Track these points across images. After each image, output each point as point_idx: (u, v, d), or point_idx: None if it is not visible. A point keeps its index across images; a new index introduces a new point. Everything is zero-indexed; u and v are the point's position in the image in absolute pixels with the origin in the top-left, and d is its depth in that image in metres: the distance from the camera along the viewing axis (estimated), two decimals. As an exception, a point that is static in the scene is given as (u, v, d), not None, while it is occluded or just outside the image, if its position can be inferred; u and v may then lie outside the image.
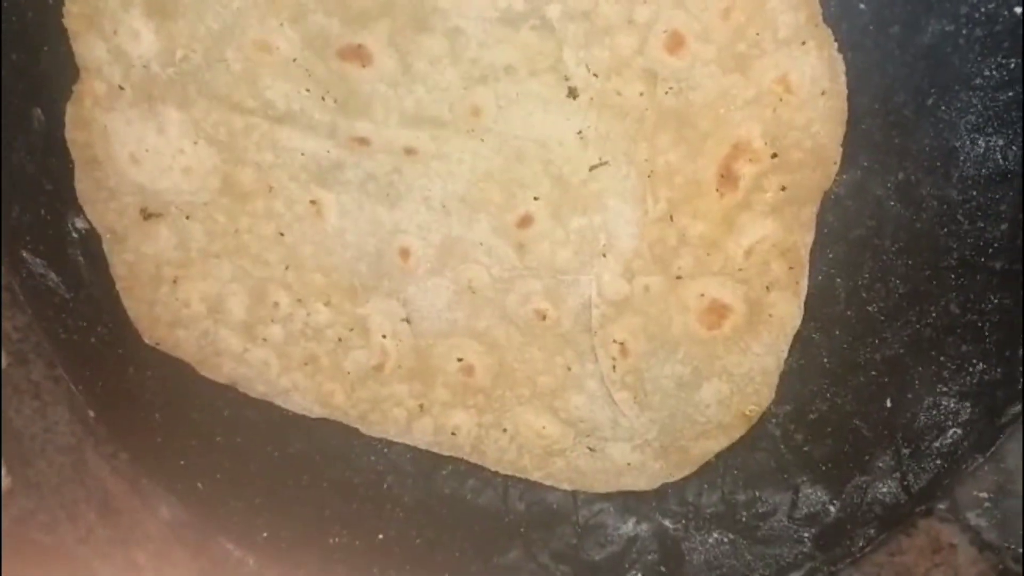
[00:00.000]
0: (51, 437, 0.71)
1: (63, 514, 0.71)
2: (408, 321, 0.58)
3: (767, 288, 0.54)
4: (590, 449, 0.60)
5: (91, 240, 0.58)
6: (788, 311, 0.55)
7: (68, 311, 0.61)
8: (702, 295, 0.55)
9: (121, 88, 0.56)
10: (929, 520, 0.62)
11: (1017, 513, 0.58)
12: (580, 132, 0.53)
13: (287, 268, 0.58)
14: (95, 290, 0.61)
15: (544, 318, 0.57)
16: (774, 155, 0.51)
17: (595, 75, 0.52)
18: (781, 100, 0.51)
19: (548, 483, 0.61)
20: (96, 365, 0.63)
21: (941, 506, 0.62)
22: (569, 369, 0.58)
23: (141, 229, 0.58)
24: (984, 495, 0.62)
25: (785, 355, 0.56)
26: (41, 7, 0.56)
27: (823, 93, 0.50)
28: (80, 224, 0.59)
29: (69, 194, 0.57)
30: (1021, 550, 0.59)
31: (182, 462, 0.62)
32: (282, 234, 0.57)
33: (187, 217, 0.58)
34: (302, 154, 0.56)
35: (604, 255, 0.55)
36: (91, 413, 0.65)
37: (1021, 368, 0.55)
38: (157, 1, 0.54)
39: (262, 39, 0.54)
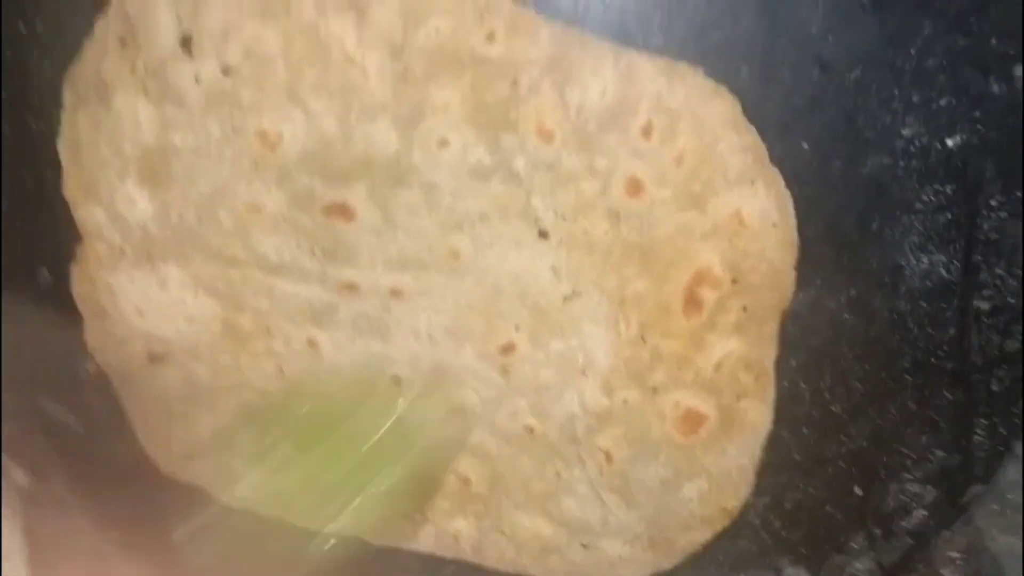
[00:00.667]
0: (77, 543, 0.78)
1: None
2: (406, 442, 0.65)
3: (737, 397, 0.61)
4: (583, 545, 0.67)
5: (101, 380, 0.65)
6: (759, 416, 0.61)
7: (87, 444, 0.68)
8: (678, 404, 0.62)
9: (122, 250, 0.62)
10: None
11: (988, 570, 0.65)
12: (553, 267, 0.60)
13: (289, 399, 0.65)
14: (112, 425, 0.67)
15: (532, 431, 0.64)
16: (734, 280, 0.58)
17: (563, 217, 0.58)
18: (736, 232, 0.57)
19: None
20: (114, 491, 0.69)
21: (918, 566, 0.69)
22: (559, 475, 0.65)
23: (149, 371, 0.65)
24: (956, 554, 0.68)
25: (759, 455, 0.63)
26: (39, 178, 0.62)
27: (774, 225, 0.57)
28: (90, 367, 0.65)
29: (80, 342, 0.64)
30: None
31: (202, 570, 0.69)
32: (282, 369, 0.64)
33: (193, 359, 0.64)
34: (296, 298, 0.62)
35: (584, 373, 0.62)
36: (113, 534, 0.71)
37: (976, 455, 0.62)
38: (150, 170, 0.60)
39: (251, 200, 0.60)
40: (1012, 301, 0.58)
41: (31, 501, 0.76)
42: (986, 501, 0.66)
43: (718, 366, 0.60)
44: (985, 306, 0.59)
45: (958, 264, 0.58)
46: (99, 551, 0.78)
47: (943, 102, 0.55)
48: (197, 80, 0.58)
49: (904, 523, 0.65)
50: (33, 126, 0.61)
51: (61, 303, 0.65)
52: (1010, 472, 0.65)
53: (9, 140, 0.62)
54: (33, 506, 0.76)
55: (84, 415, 0.68)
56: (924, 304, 0.60)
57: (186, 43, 0.57)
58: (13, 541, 0.73)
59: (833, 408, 0.63)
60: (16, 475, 0.75)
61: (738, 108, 0.56)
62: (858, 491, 0.65)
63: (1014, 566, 0.66)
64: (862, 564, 0.67)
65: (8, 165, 0.63)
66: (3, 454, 0.73)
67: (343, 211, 0.60)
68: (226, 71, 0.58)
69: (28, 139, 0.62)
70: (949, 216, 0.57)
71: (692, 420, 0.62)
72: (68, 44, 0.58)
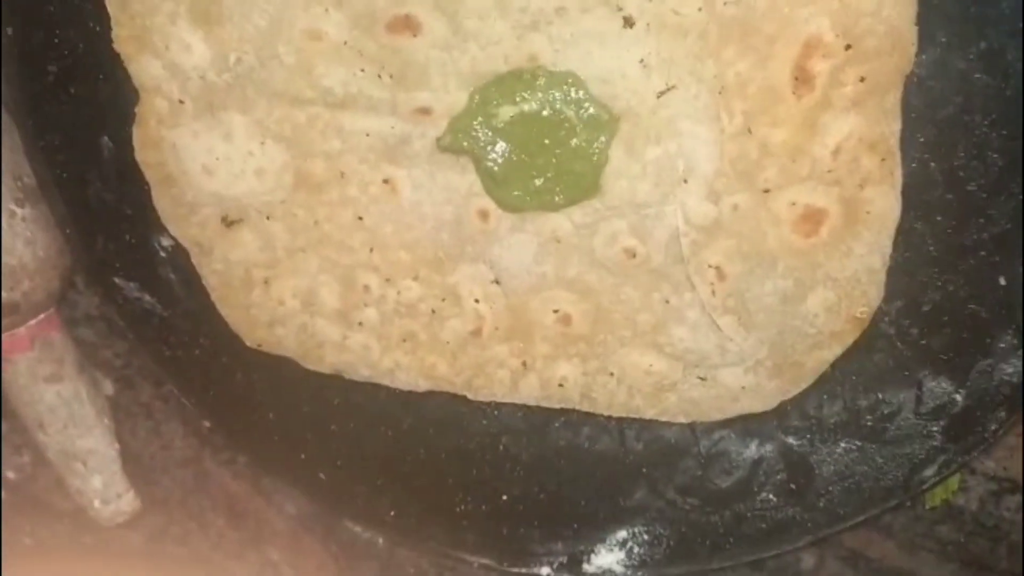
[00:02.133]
0: (169, 453, 0.78)
1: (193, 524, 0.78)
2: (498, 282, 0.62)
3: (860, 185, 0.57)
4: (701, 379, 0.63)
5: (179, 255, 0.64)
6: (886, 205, 0.57)
7: (168, 329, 0.67)
8: (794, 204, 0.58)
9: (182, 102, 0.60)
10: None
11: None
12: (642, 60, 0.56)
13: (371, 250, 0.63)
14: (191, 304, 0.67)
15: (634, 255, 0.61)
16: (848, 46, 0.54)
17: None
18: None
19: (664, 419, 0.66)
20: (204, 376, 0.69)
21: None
22: (667, 302, 0.61)
23: (225, 237, 0.63)
24: None
25: (889, 251, 0.59)
26: (91, 36, 0.60)
27: None
28: (166, 242, 0.64)
29: (150, 215, 0.62)
30: None
31: (302, 456, 0.68)
32: (361, 218, 0.62)
33: (267, 218, 0.63)
34: (367, 135, 0.60)
35: (685, 181, 0.58)
36: (206, 424, 0.70)
37: None
38: (201, 9, 0.58)
39: (310, 27, 0.57)
40: None
41: (120, 411, 0.76)
42: None
43: (836, 151, 0.56)
44: None
45: None
46: (194, 459, 0.77)
47: None
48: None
49: None
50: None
51: (127, 175, 0.63)
52: None
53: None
54: (123, 416, 0.76)
55: (163, 294, 0.67)
56: None
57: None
58: (103, 443, 0.73)
59: (970, 187, 0.58)
60: (102, 383, 0.75)
61: None
62: (1003, 281, 0.60)
63: None
64: (1012, 367, 0.62)
65: (56, 26, 0.61)
66: (88, 363, 0.73)
67: (408, 24, 0.57)
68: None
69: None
70: None
71: (811, 219, 0.58)
72: None
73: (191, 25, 0.59)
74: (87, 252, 0.66)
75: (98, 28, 0.60)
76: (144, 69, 0.61)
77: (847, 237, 0.59)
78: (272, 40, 0.59)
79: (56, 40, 0.62)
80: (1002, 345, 0.62)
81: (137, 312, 0.67)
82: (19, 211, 0.66)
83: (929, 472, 0.66)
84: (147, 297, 0.67)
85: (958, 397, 0.64)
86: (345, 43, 0.59)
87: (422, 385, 0.67)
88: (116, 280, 0.67)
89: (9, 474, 0.78)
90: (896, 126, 0.56)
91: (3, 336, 0.68)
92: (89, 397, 0.72)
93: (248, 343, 0.68)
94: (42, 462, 0.75)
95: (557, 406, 0.67)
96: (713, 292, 0.62)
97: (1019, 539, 0.74)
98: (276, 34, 0.59)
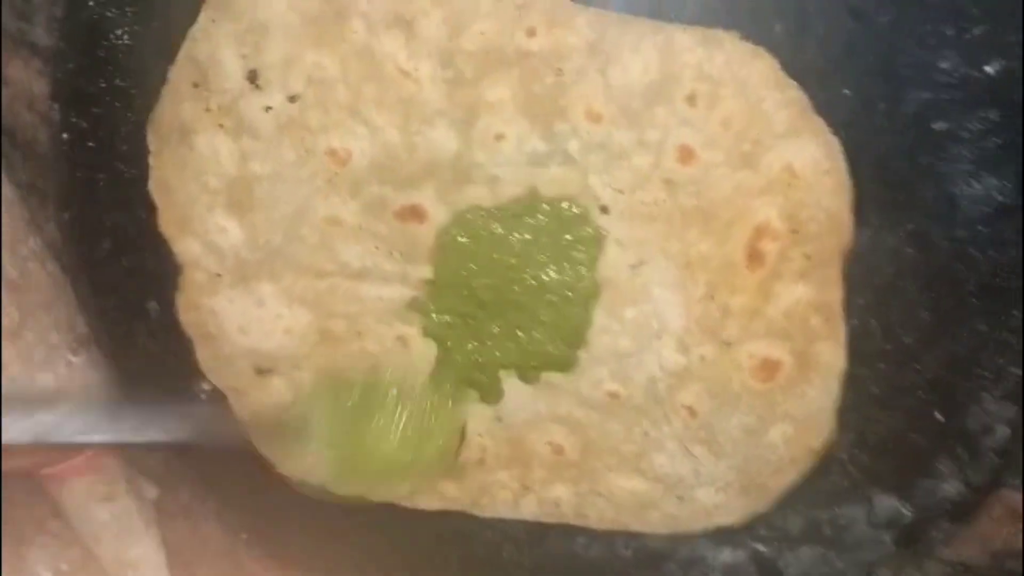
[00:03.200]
0: (207, 547, 0.89)
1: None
2: (499, 419, 0.73)
3: (810, 341, 0.68)
4: (679, 497, 0.75)
5: (216, 398, 0.75)
6: (833, 357, 0.68)
7: (207, 455, 0.78)
8: (752, 355, 0.69)
9: (219, 275, 0.72)
10: (1001, 492, 0.75)
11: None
12: (617, 240, 0.67)
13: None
14: (228, 437, 0.77)
15: (617, 397, 0.71)
16: (793, 230, 0.65)
17: (621, 192, 0.65)
18: (790, 184, 0.64)
19: (648, 531, 0.76)
20: (241, 496, 0.80)
21: (1013, 481, 0.75)
22: (647, 435, 0.73)
23: (258, 384, 0.75)
24: None
25: (837, 394, 0.70)
26: (138, 220, 0.72)
27: (826, 172, 0.63)
28: (206, 387, 0.76)
29: (190, 366, 0.74)
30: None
31: (326, 565, 0.79)
32: (377, 368, 0.73)
33: (295, 368, 0.74)
34: (381, 299, 0.71)
35: (659, 336, 0.69)
36: (243, 536, 0.82)
37: None
38: (235, 199, 0.69)
39: (329, 214, 0.69)
40: None
41: (162, 512, 0.88)
42: None
43: (787, 313, 0.67)
44: None
45: (1011, 186, 0.63)
46: (230, 552, 0.89)
47: (977, 31, 0.60)
48: (267, 111, 0.67)
49: (989, 442, 0.71)
50: (125, 172, 0.70)
51: (172, 332, 0.74)
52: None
53: (105, 188, 0.71)
54: (165, 516, 0.87)
55: (202, 431, 0.78)
56: (982, 229, 0.65)
57: (253, 78, 0.66)
58: (151, 550, 0.84)
59: (905, 340, 0.69)
60: (146, 489, 0.87)
61: (776, 65, 0.62)
62: (940, 417, 0.71)
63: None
64: (951, 486, 0.73)
65: (108, 211, 0.72)
66: (134, 469, 0.84)
67: (415, 213, 0.68)
68: (292, 99, 0.66)
69: (122, 185, 0.71)
70: (997, 141, 0.62)
71: (768, 368, 0.69)
72: (146, 93, 0.66)
73: (226, 212, 0.71)
74: (135, 394, 0.78)
75: (144, 214, 0.72)
76: (186, 248, 0.72)
77: (800, 383, 0.70)
78: (296, 224, 0.70)
79: (107, 223, 0.73)
80: (942, 469, 0.73)
81: (179, 445, 0.79)
82: (74, 359, 0.77)
83: (883, 573, 0.77)
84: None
85: (905, 511, 0.75)
86: (360, 227, 0.70)
87: (435, 505, 0.79)
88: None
89: (63, 566, 0.90)
90: (838, 293, 0.67)
91: (63, 464, 0.79)
92: (138, 511, 0.83)
93: (281, 472, 0.79)
94: (90, 556, 0.86)
95: (553, 521, 0.78)
96: (686, 426, 0.73)
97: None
98: (300, 219, 0.70)
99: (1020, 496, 0.77)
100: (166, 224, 0.72)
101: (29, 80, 0.78)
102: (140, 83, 0.68)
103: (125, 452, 0.86)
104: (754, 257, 0.66)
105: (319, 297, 0.72)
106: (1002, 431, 0.71)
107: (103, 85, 0.69)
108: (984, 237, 0.65)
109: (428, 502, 0.78)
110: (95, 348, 0.80)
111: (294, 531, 0.82)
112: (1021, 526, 0.78)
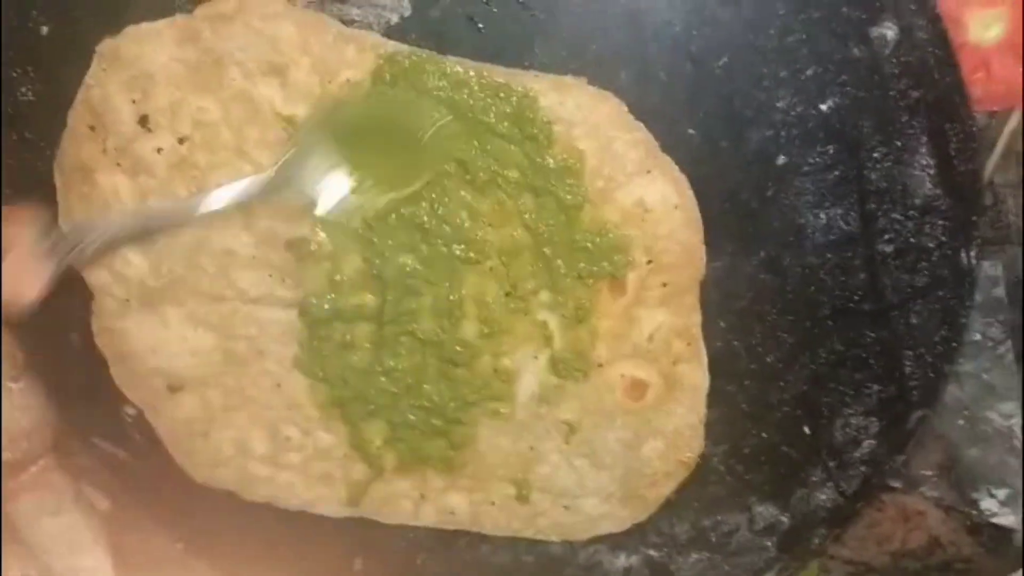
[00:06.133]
0: (161, 553, 0.99)
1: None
2: (397, 435, 0.82)
3: (674, 362, 0.75)
4: (566, 507, 0.83)
5: (142, 419, 0.84)
6: (696, 377, 0.75)
7: (140, 474, 0.88)
8: (623, 375, 0.76)
9: (127, 300, 0.80)
10: (893, 495, 0.82)
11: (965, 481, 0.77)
12: (491, 267, 0.74)
13: (289, 409, 0.82)
14: (154, 454, 0.87)
15: (501, 413, 0.79)
16: (649, 261, 0.72)
17: (491, 226, 0.72)
18: (643, 218, 0.71)
19: (540, 538, 0.85)
20: (172, 508, 0.89)
21: (896, 485, 0.82)
22: (532, 448, 0.81)
23: (171, 400, 0.84)
24: (929, 472, 0.81)
25: (704, 410, 0.77)
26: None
27: (676, 207, 0.70)
28: (131, 410, 0.85)
29: (116, 390, 0.83)
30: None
31: (260, 573, 0.89)
32: (279, 385, 0.81)
33: (203, 385, 0.82)
34: (278, 322, 0.79)
35: (536, 357, 0.77)
36: (179, 545, 0.92)
37: (911, 384, 0.74)
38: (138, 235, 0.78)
39: (224, 246, 0.77)
40: (913, 240, 0.69)
41: (114, 523, 0.97)
42: (946, 420, 0.78)
43: (651, 337, 0.74)
44: (889, 248, 0.70)
45: (855, 215, 0.70)
46: (182, 560, 0.98)
47: (810, 72, 0.66)
48: (159, 151, 0.75)
49: (856, 453, 0.78)
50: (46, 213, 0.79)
51: (94, 359, 0.83)
52: (954, 391, 0.76)
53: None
54: (117, 527, 0.97)
55: (133, 450, 0.87)
56: (831, 255, 0.71)
57: (143, 122, 0.74)
58: (100, 560, 0.94)
59: (768, 359, 0.76)
60: (98, 501, 0.96)
61: (623, 108, 0.68)
62: (807, 430, 0.78)
63: (985, 474, 0.78)
64: (824, 494, 0.80)
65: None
66: (84, 482, 0.94)
67: (303, 243, 0.75)
68: (181, 140, 0.74)
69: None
70: (837, 173, 0.69)
71: (638, 388, 0.76)
72: (53, 144, 0.75)
73: (130, 246, 0.79)
74: (68, 418, 0.87)
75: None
76: (96, 277, 0.81)
77: (668, 401, 0.77)
78: (196, 254, 0.79)
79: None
80: (814, 479, 0.81)
81: (115, 463, 0.88)
82: (14, 386, 0.87)
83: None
84: (121, 452, 0.88)
85: (784, 519, 0.83)
86: (253, 257, 0.78)
87: (340, 512, 0.87)
88: (95, 440, 0.88)
89: (32, 573, 1.00)
90: (696, 318, 0.75)
91: (10, 483, 0.89)
92: (85, 523, 0.93)
93: (197, 481, 0.88)
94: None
95: (451, 528, 0.86)
96: (567, 441, 0.80)
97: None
98: (198, 250, 0.79)
99: (910, 499, 0.83)
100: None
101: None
102: (46, 134, 0.76)
103: (74, 467, 0.96)
104: (616, 285, 0.73)
105: (221, 320, 0.81)
106: (868, 444, 0.78)
107: (14, 138, 0.77)
108: (833, 263, 0.72)
109: (333, 510, 0.87)
110: (35, 373, 0.89)
111: (225, 540, 0.91)
112: (914, 527, 0.85)
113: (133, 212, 0.75)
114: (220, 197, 0.73)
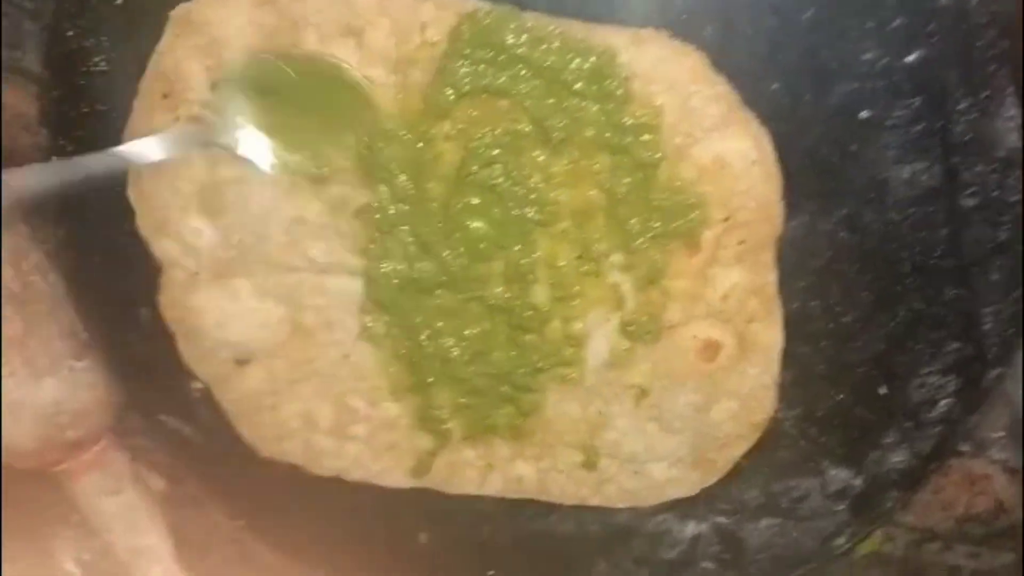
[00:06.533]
0: (216, 534, 0.99)
1: (239, 592, 0.99)
2: (465, 403, 0.81)
3: (748, 322, 0.75)
4: (634, 472, 0.82)
5: (209, 396, 0.84)
6: (770, 337, 0.75)
7: (205, 451, 0.88)
8: (695, 337, 0.76)
9: (196, 273, 0.80)
10: (960, 459, 0.81)
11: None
12: (563, 230, 0.74)
13: (357, 380, 0.82)
14: (221, 431, 0.86)
15: (570, 379, 0.79)
16: (726, 218, 0.71)
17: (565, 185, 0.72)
18: (721, 174, 0.70)
19: (607, 505, 0.84)
20: (236, 484, 0.89)
21: (964, 448, 0.81)
22: (600, 413, 0.80)
23: (238, 374, 0.84)
24: (997, 434, 0.80)
25: (777, 371, 0.76)
26: (123, 233, 0.80)
27: (754, 162, 0.69)
28: (197, 385, 0.84)
29: (183, 365, 0.82)
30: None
31: (321, 545, 0.89)
32: (347, 356, 0.81)
33: (270, 357, 0.82)
34: (347, 292, 0.79)
35: (607, 320, 0.76)
36: (240, 523, 0.91)
37: (989, 342, 0.73)
38: (207, 202, 0.78)
39: (295, 214, 0.77)
40: (996, 195, 0.68)
41: (171, 502, 0.97)
42: (1017, 381, 0.77)
43: (725, 296, 0.74)
44: (971, 203, 0.70)
45: (939, 169, 0.69)
46: (238, 539, 0.98)
47: (897, 23, 0.65)
48: (231, 119, 0.74)
49: (932, 414, 0.78)
50: (110, 189, 0.78)
51: (162, 335, 0.83)
52: (1029, 352, 0.76)
53: (94, 204, 0.79)
54: (173, 507, 0.97)
55: (198, 426, 0.87)
56: (913, 211, 0.71)
57: (216, 87, 0.73)
58: (160, 539, 0.93)
59: (845, 319, 0.75)
60: (153, 481, 0.96)
61: (705, 62, 0.67)
62: (883, 391, 0.77)
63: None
64: (899, 456, 0.80)
65: (98, 227, 0.80)
66: (140, 463, 0.94)
67: (372, 211, 0.75)
68: (254, 106, 0.74)
69: (108, 200, 0.79)
70: (922, 127, 0.68)
71: (710, 348, 0.76)
72: (124, 115, 0.75)
73: (199, 215, 0.79)
74: (134, 395, 0.87)
75: (129, 227, 0.80)
76: (164, 249, 0.81)
77: (741, 362, 0.77)
78: (266, 224, 0.79)
79: (98, 237, 0.82)
80: (888, 440, 0.80)
81: (180, 440, 0.88)
82: (77, 364, 0.86)
83: (840, 541, 0.84)
84: (186, 428, 0.88)
85: (856, 482, 0.82)
86: (324, 225, 0.77)
87: (405, 484, 0.87)
88: (160, 416, 0.87)
89: (85, 556, 1.01)
90: (772, 276, 0.74)
91: (72, 461, 0.89)
92: (144, 502, 0.93)
93: (263, 455, 0.88)
94: (111, 546, 0.97)
95: (518, 497, 0.86)
96: (637, 405, 0.80)
97: (941, 578, 0.91)
98: (268, 219, 0.79)
99: (977, 463, 0.83)
100: (145, 227, 0.80)
101: (25, 105, 0.87)
102: (118, 106, 0.76)
103: (131, 447, 0.96)
104: (691, 244, 0.72)
105: (290, 291, 0.81)
106: (944, 404, 0.77)
107: (85, 110, 0.77)
108: (915, 218, 0.71)
109: (399, 481, 0.86)
110: (97, 352, 0.89)
111: (288, 521, 0.91)
112: (980, 491, 0.84)
113: (55, 165, 0.73)
114: (150, 146, 0.71)
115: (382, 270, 0.78)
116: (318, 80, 0.74)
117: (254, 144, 0.76)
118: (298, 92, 0.75)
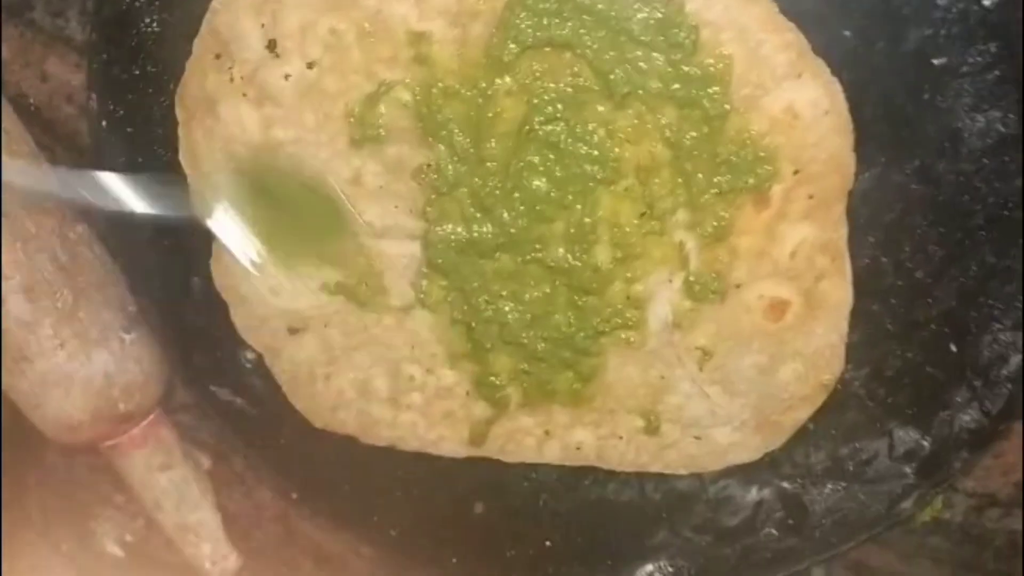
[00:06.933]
0: (261, 512, 0.98)
1: (284, 569, 0.97)
2: (524, 369, 0.80)
3: (816, 279, 0.73)
4: (696, 437, 0.81)
5: (261, 365, 0.83)
6: (839, 294, 0.73)
7: (257, 422, 0.86)
8: (761, 296, 0.74)
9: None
10: (1021, 423, 0.79)
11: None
12: (626, 187, 0.72)
13: (412, 347, 0.81)
14: (272, 401, 0.85)
15: (631, 342, 0.77)
16: (796, 171, 0.69)
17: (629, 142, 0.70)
18: (791, 126, 0.68)
19: (668, 472, 0.83)
20: (287, 457, 0.88)
21: None
22: (662, 377, 0.79)
23: (291, 342, 0.82)
24: None
25: (846, 330, 0.75)
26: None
27: (826, 112, 0.68)
28: (250, 355, 0.83)
29: (235, 334, 0.81)
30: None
31: (374, 518, 0.87)
32: (402, 322, 0.80)
33: (325, 325, 0.81)
34: (403, 257, 0.77)
35: (670, 281, 0.74)
36: (293, 495, 0.90)
37: None
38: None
39: (351, 176, 0.75)
40: None
41: (217, 480, 0.96)
42: None
43: (793, 253, 0.72)
44: None
45: (1014, 117, 0.67)
46: (283, 517, 0.97)
47: None
48: (287, 78, 0.73)
49: (1003, 371, 0.76)
50: (163, 155, 0.77)
51: (215, 305, 0.81)
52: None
53: (144, 171, 0.78)
54: (220, 485, 0.96)
55: (251, 397, 0.86)
56: (987, 161, 0.69)
57: (272, 47, 0.72)
58: (209, 515, 0.92)
59: (916, 275, 0.74)
60: (201, 459, 0.95)
61: (775, 9, 0.66)
62: (954, 348, 0.75)
63: None
64: (969, 416, 0.78)
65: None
66: (186, 441, 0.93)
67: (428, 171, 0.74)
68: (310, 65, 0.73)
69: (159, 167, 0.78)
70: (997, 73, 0.66)
71: (777, 307, 0.74)
72: (176, 77, 0.73)
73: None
74: (185, 367, 0.86)
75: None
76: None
77: (808, 321, 0.75)
78: (321, 187, 0.77)
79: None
80: (958, 399, 0.78)
81: (231, 412, 0.87)
82: (127, 336, 0.85)
83: (906, 504, 0.83)
84: (238, 400, 0.87)
85: (925, 443, 0.80)
86: (380, 187, 0.76)
87: (463, 453, 0.86)
88: (212, 387, 0.86)
89: (128, 536, 0.99)
90: (843, 231, 0.72)
91: (123, 436, 0.88)
92: (194, 478, 0.92)
93: (317, 426, 0.87)
94: (153, 526, 0.95)
95: (577, 464, 0.85)
96: (700, 368, 0.78)
97: (1002, 544, 0.89)
98: (324, 182, 0.77)
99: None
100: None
101: (67, 74, 0.86)
102: (169, 67, 0.75)
103: (176, 425, 0.95)
104: (759, 199, 0.71)
105: (344, 256, 0.79)
106: (1015, 360, 0.75)
107: (136, 72, 0.76)
108: (989, 169, 0.69)
109: (455, 450, 0.85)
110: (146, 325, 0.88)
111: (340, 494, 0.90)
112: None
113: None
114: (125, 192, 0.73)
115: (439, 233, 0.77)
116: (306, 193, 0.76)
117: (234, 232, 0.77)
118: (288, 199, 0.77)
